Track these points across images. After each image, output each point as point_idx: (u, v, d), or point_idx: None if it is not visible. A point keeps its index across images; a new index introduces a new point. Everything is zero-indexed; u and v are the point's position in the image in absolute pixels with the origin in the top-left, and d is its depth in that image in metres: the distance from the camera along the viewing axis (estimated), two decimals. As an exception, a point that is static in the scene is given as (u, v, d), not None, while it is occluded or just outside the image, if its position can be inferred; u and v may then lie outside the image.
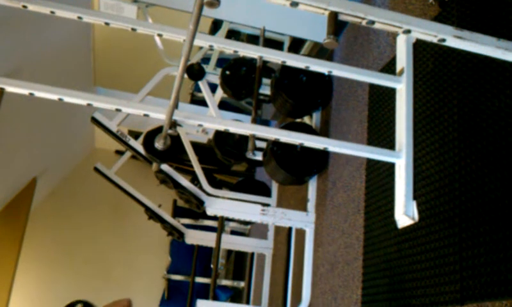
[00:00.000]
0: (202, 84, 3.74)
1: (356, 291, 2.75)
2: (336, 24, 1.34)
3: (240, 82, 3.82)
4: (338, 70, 2.29)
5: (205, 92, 3.68)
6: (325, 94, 3.65)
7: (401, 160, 2.28)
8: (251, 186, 5.18)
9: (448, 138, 2.10)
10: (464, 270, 1.84)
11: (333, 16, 1.37)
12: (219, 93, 3.98)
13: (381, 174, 2.70)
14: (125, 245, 7.82)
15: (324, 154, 3.57)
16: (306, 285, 3.47)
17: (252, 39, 4.00)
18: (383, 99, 2.86)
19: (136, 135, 4.19)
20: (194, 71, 3.69)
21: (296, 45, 4.23)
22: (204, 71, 3.75)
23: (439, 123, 2.19)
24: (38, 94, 2.11)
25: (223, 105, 4.75)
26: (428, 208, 2.16)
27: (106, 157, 6.68)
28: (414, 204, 2.23)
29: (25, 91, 2.11)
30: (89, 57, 5.24)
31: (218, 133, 4.26)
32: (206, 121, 2.26)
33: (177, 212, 6.38)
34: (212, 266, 5.32)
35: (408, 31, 1.46)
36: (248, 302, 5.44)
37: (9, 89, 2.15)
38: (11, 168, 5.23)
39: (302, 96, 3.56)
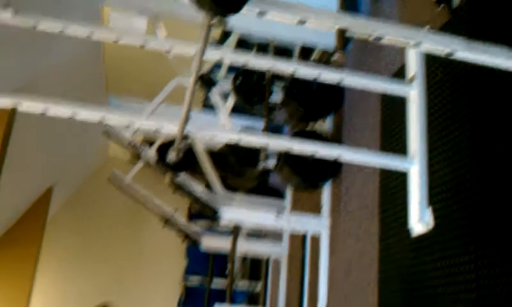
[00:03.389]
0: (213, 94, 3.74)
1: (373, 298, 2.74)
2: (345, 40, 1.34)
3: (251, 89, 3.83)
4: (349, 79, 2.29)
5: (217, 101, 3.69)
6: (337, 99, 3.64)
7: (415, 167, 2.27)
8: (266, 189, 5.17)
9: (460, 146, 2.08)
10: (481, 279, 1.82)
11: (341, 32, 1.37)
12: (231, 101, 3.99)
13: (396, 180, 2.68)
14: (142, 249, 7.87)
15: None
16: (322, 290, 3.46)
17: (263, 47, 4.00)
18: (395, 103, 2.84)
19: (150, 143, 4.22)
20: (205, 81, 3.70)
21: (307, 50, 4.21)
22: (215, 81, 3.76)
23: (452, 131, 2.17)
24: (51, 111, 2.14)
25: (235, 109, 4.75)
26: (442, 216, 2.15)
27: (121, 164, 6.73)
28: (429, 211, 2.23)
29: (39, 109, 2.14)
30: (100, 65, 5.28)
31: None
32: (218, 132, 2.28)
33: (193, 215, 6.41)
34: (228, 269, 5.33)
35: (417, 45, 1.45)
36: (264, 306, 5.44)
37: (24, 104, 2.18)
38: (27, 177, 5.29)
39: (313, 102, 3.55)
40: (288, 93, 3.64)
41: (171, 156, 2.32)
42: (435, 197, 2.21)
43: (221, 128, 3.69)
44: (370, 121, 3.13)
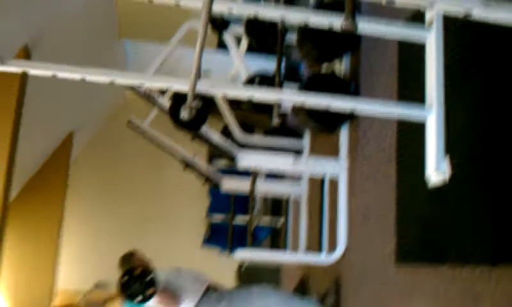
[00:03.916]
0: (227, 36, 3.66)
1: (390, 242, 2.76)
2: (355, 6, 1.27)
3: (265, 31, 3.70)
4: (364, 25, 2.21)
5: (230, 45, 3.61)
6: (354, 40, 3.51)
7: (432, 115, 2.21)
8: (284, 129, 5.12)
9: (481, 96, 2.01)
10: (497, 233, 1.81)
11: (351, -3, 1.30)
12: (245, 44, 3.89)
13: (411, 127, 2.62)
14: (166, 187, 7.99)
15: (355, 100, 3.48)
16: (342, 232, 3.49)
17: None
18: (413, 45, 2.73)
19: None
20: (218, 24, 3.61)
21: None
22: (228, 22, 3.66)
23: (472, 80, 2.09)
24: (60, 75, 2.13)
25: (251, 48, 4.63)
26: (459, 166, 2.11)
27: (140, 106, 6.73)
28: (446, 160, 2.19)
29: (48, 73, 2.12)
30: (112, 8, 5.17)
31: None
32: (230, 89, 2.24)
33: (213, 156, 6.43)
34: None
35: (430, 7, 1.37)
36: (285, 243, 5.55)
37: (32, 72, 2.17)
38: (47, 124, 5.35)
39: (329, 43, 3.43)
40: (303, 34, 3.52)
41: (184, 114, 2.30)
42: (453, 147, 2.16)
43: (234, 85, 3.64)
44: (387, 63, 3.04)
